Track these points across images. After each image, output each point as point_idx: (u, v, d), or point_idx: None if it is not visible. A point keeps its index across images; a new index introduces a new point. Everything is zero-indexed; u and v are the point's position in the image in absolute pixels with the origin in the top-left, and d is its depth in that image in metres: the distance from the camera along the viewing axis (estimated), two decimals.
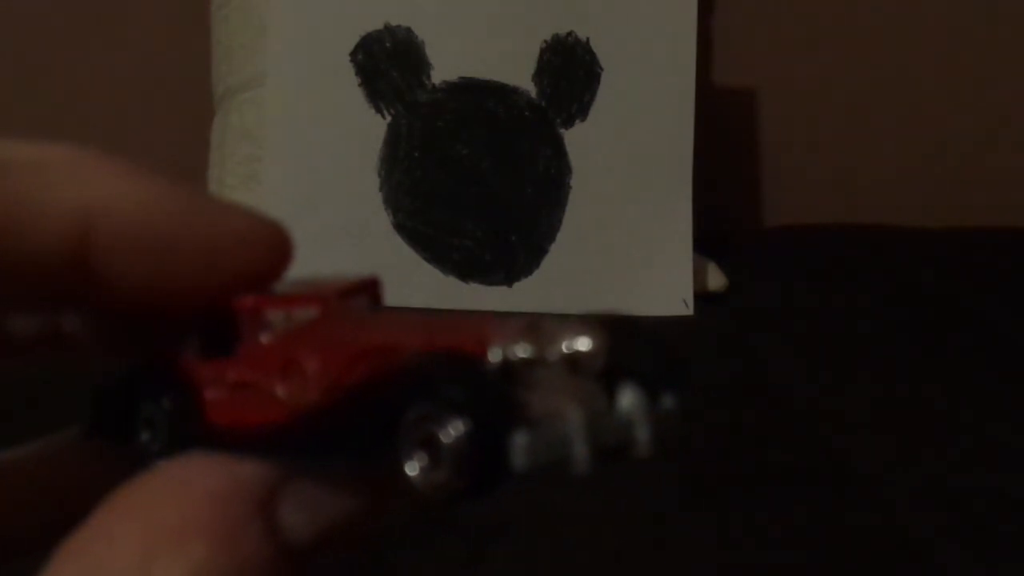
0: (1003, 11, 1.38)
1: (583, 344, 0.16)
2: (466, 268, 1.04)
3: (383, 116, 1.04)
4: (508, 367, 0.16)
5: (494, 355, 0.16)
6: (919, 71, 1.38)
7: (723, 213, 1.28)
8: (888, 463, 0.73)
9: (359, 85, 1.04)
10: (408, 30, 1.05)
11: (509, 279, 1.04)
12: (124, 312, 0.19)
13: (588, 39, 1.06)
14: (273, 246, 0.19)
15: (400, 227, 1.04)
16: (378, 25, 1.05)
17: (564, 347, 0.16)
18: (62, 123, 1.28)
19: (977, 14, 1.37)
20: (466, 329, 0.17)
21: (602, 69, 1.06)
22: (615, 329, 0.17)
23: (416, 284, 1.02)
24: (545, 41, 1.06)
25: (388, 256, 1.02)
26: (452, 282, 1.03)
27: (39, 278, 0.18)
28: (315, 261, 0.20)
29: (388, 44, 1.05)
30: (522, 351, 0.16)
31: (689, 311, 1.03)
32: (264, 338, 0.19)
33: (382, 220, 1.03)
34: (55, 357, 0.20)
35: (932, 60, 1.37)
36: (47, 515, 0.20)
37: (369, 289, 0.20)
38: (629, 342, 0.17)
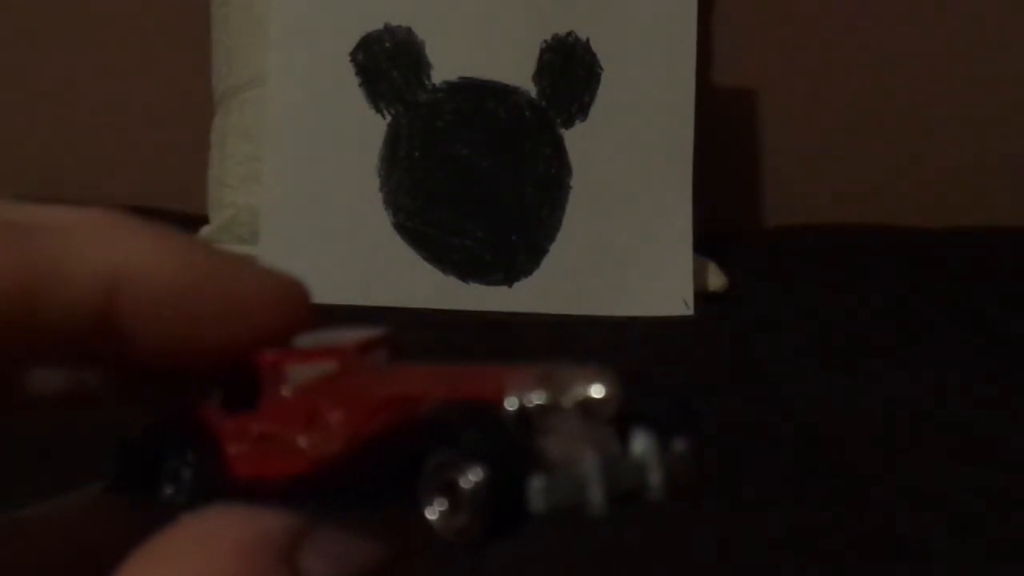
0: (1003, 11, 1.38)
1: (596, 391, 0.17)
2: (466, 268, 1.04)
3: (383, 116, 1.04)
4: (524, 414, 0.17)
5: (511, 403, 0.17)
6: (919, 71, 1.38)
7: (723, 213, 1.28)
8: (888, 463, 0.73)
9: (359, 85, 1.04)
10: (408, 30, 1.05)
11: (509, 279, 1.04)
12: (148, 368, 0.19)
13: (588, 39, 1.06)
14: (293, 303, 0.20)
15: (400, 227, 1.04)
16: (378, 25, 1.05)
17: (578, 394, 0.17)
18: (63, 124, 1.29)
19: (977, 14, 1.37)
20: (483, 378, 0.17)
21: (602, 69, 1.06)
22: (627, 376, 0.17)
23: (416, 284, 1.02)
24: (545, 41, 1.06)
25: (388, 256, 1.02)
26: (452, 282, 1.03)
27: (65, 337, 0.18)
28: (315, 261, 0.20)
29: (388, 44, 1.05)
30: (537, 398, 0.17)
31: (689, 311, 1.03)
32: (286, 392, 0.19)
33: (382, 220, 1.03)
34: (79, 413, 0.21)
35: (932, 60, 1.37)
36: (72, 571, 0.20)
37: (387, 343, 0.20)
38: (641, 389, 0.18)
